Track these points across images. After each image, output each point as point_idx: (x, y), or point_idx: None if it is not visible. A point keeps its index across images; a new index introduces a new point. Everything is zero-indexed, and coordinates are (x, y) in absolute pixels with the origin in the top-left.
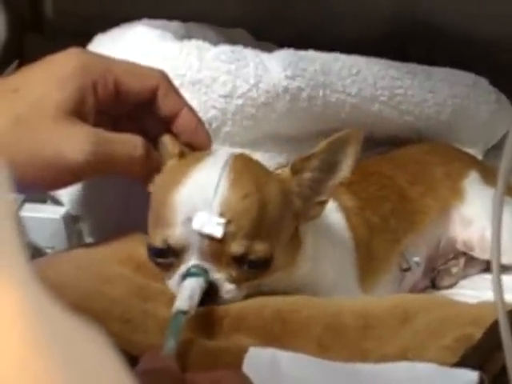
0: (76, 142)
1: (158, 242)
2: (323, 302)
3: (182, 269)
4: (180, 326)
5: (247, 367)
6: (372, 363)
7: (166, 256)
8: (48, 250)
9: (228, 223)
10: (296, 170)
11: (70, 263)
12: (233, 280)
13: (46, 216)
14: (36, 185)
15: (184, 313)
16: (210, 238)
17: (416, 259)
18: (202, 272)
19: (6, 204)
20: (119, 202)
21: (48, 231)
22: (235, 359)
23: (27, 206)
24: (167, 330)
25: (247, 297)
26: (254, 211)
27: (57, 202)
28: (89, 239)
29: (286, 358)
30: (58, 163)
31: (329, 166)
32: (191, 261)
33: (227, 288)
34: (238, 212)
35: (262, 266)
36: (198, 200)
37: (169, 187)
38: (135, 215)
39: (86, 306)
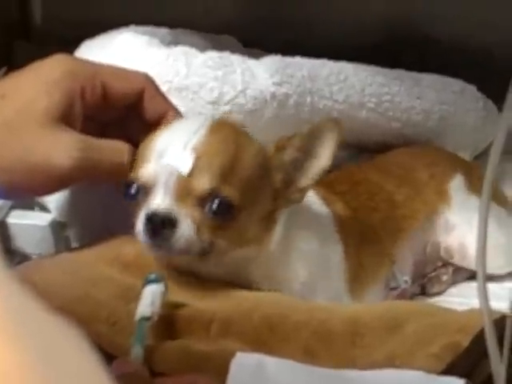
0: (63, 148)
1: (131, 177)
2: (312, 307)
3: (148, 205)
4: (144, 332)
5: (234, 372)
6: (359, 370)
7: (137, 195)
8: (35, 257)
9: (198, 158)
10: (279, 146)
11: (55, 268)
12: (195, 222)
13: (33, 223)
14: (23, 191)
15: (147, 319)
16: (179, 173)
17: (405, 278)
18: (161, 278)
19: None
20: (106, 208)
21: (35, 238)
22: (222, 364)
23: (14, 212)
24: (132, 337)
25: (214, 273)
26: (227, 155)
27: (44, 208)
28: (76, 246)
29: (272, 364)
30: (44, 169)
31: (309, 150)
32: (157, 198)
33: (186, 225)
34: (211, 151)
35: (226, 213)
36: (175, 138)
37: (152, 136)
38: (122, 221)
39: (72, 309)
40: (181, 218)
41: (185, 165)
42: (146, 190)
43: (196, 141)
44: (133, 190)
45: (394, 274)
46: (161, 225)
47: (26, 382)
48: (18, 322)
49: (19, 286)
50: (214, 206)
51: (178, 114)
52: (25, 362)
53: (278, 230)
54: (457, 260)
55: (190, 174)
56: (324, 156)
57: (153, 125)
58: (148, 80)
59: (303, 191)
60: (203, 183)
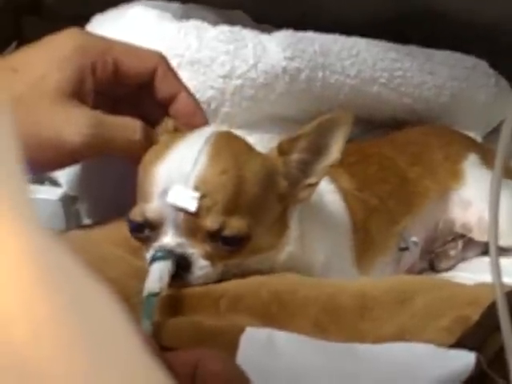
0: (74, 124)
1: (136, 216)
2: (321, 282)
3: (158, 243)
4: (153, 308)
5: (244, 347)
6: (369, 344)
7: (144, 230)
8: None
9: (203, 197)
10: (283, 150)
11: (65, 245)
12: (207, 256)
13: (44, 197)
14: (34, 165)
15: (155, 295)
16: (185, 211)
17: (414, 239)
18: (168, 255)
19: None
20: (117, 182)
21: (46, 212)
22: (232, 339)
23: None
24: (141, 313)
25: (233, 277)
26: (230, 187)
27: (55, 183)
28: (86, 220)
29: (282, 338)
30: (55, 145)
31: (317, 148)
32: (167, 235)
33: (201, 264)
34: (214, 187)
35: (237, 243)
36: (175, 174)
37: (151, 161)
38: (133, 196)
39: None
40: (194, 257)
41: (190, 205)
42: (153, 226)
43: (197, 175)
44: (139, 225)
45: (402, 236)
46: (176, 266)
47: (58, 331)
48: (50, 269)
49: (56, 241)
50: (225, 239)
51: (189, 95)
52: (56, 311)
53: (294, 228)
54: (475, 234)
55: (197, 213)
56: (334, 150)
57: (164, 104)
58: (161, 59)
59: (311, 188)
60: (211, 221)
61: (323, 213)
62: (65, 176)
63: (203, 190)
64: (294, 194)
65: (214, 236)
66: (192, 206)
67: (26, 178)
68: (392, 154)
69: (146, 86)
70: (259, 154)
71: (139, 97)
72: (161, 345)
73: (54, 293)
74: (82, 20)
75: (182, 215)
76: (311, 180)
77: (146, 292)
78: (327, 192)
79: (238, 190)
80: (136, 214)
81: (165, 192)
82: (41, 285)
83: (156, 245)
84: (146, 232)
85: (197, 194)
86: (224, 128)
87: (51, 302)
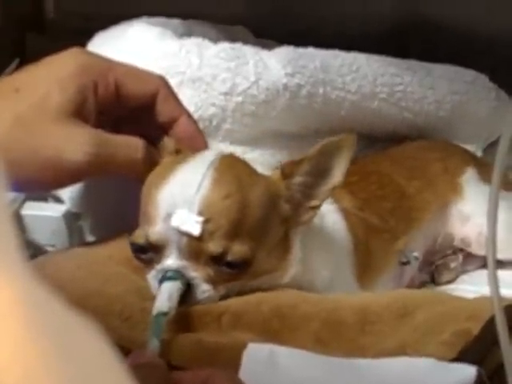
0: (77, 143)
1: (139, 239)
2: (322, 297)
3: (161, 266)
4: (161, 327)
5: (246, 363)
6: (370, 358)
7: (147, 252)
8: (49, 248)
9: (206, 222)
10: (286, 173)
11: (69, 262)
12: (210, 280)
13: (47, 214)
14: (36, 185)
15: (164, 314)
16: (189, 235)
17: (415, 254)
18: (178, 275)
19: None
20: (120, 199)
21: (49, 229)
22: (234, 355)
23: (28, 204)
24: (149, 331)
25: (238, 294)
26: (234, 211)
27: (58, 199)
28: (90, 237)
29: (284, 354)
30: (58, 164)
31: (320, 171)
32: (170, 258)
33: (203, 288)
34: (218, 211)
35: (240, 267)
36: (179, 198)
37: (155, 184)
38: (136, 213)
39: (86, 303)
40: (197, 281)
41: (194, 229)
42: (156, 249)
43: (201, 199)
44: (142, 248)
45: (403, 251)
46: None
47: (48, 375)
48: (37, 315)
49: (37, 279)
50: (227, 263)
51: (189, 119)
52: (44, 356)
53: (296, 251)
54: (474, 249)
55: (200, 237)
56: (337, 174)
57: (164, 127)
58: (162, 83)
59: (313, 210)
60: (214, 246)
61: (325, 234)
62: (68, 193)
63: (207, 214)
64: (296, 217)
65: (217, 260)
66: (196, 231)
67: (7, 210)
68: (390, 170)
69: (146, 108)
70: (262, 177)
71: (140, 117)
72: (168, 363)
73: (41, 336)
74: (84, 36)
75: (185, 239)
76: (314, 203)
77: (155, 311)
78: (329, 212)
79: (242, 215)
80: (139, 237)
81: (168, 216)
82: (29, 329)
83: (159, 267)
84: (149, 254)
85: (201, 219)
86: (226, 150)
87: (39, 346)
